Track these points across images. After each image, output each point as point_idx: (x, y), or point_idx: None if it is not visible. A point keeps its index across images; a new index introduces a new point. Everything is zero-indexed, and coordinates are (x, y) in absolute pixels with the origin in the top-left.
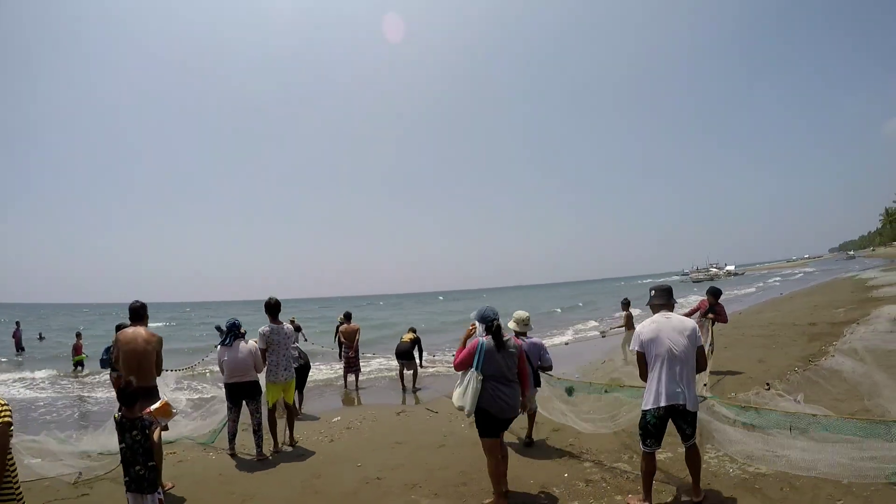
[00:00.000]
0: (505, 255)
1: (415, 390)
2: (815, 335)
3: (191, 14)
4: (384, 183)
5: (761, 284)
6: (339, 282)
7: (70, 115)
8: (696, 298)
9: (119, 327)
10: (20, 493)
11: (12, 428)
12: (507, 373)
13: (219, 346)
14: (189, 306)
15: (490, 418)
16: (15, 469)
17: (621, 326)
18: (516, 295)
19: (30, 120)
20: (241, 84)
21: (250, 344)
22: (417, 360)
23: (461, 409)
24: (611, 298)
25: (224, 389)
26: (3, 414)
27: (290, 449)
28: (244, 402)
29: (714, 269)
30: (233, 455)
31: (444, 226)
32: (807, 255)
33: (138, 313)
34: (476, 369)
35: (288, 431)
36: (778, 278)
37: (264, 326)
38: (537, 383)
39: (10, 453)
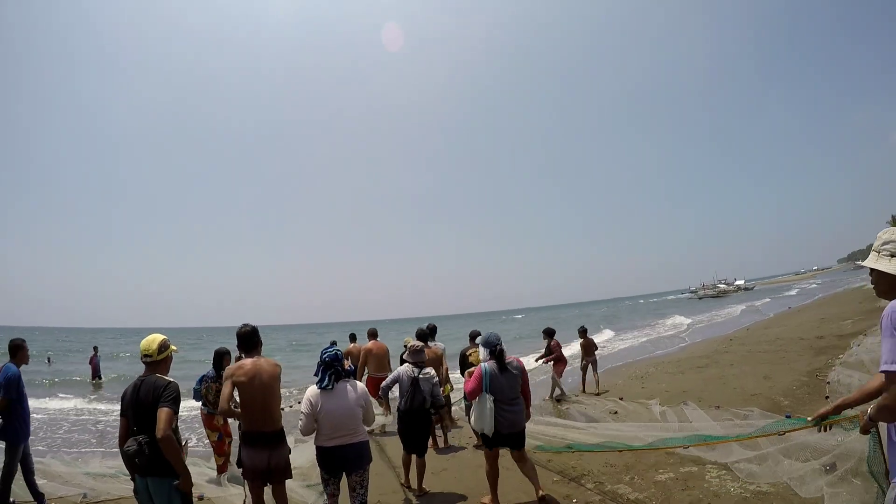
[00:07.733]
0: (497, 280)
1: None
2: (822, 349)
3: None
4: (403, 206)
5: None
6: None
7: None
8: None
9: (219, 354)
10: None
11: None
12: (510, 392)
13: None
14: (206, 331)
15: (497, 434)
16: None
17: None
18: (531, 318)
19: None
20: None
21: (359, 386)
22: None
23: (480, 430)
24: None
25: (317, 453)
26: None
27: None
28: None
29: (723, 285)
30: None
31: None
32: (815, 267)
33: (252, 340)
34: (486, 392)
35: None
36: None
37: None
38: None
39: None
